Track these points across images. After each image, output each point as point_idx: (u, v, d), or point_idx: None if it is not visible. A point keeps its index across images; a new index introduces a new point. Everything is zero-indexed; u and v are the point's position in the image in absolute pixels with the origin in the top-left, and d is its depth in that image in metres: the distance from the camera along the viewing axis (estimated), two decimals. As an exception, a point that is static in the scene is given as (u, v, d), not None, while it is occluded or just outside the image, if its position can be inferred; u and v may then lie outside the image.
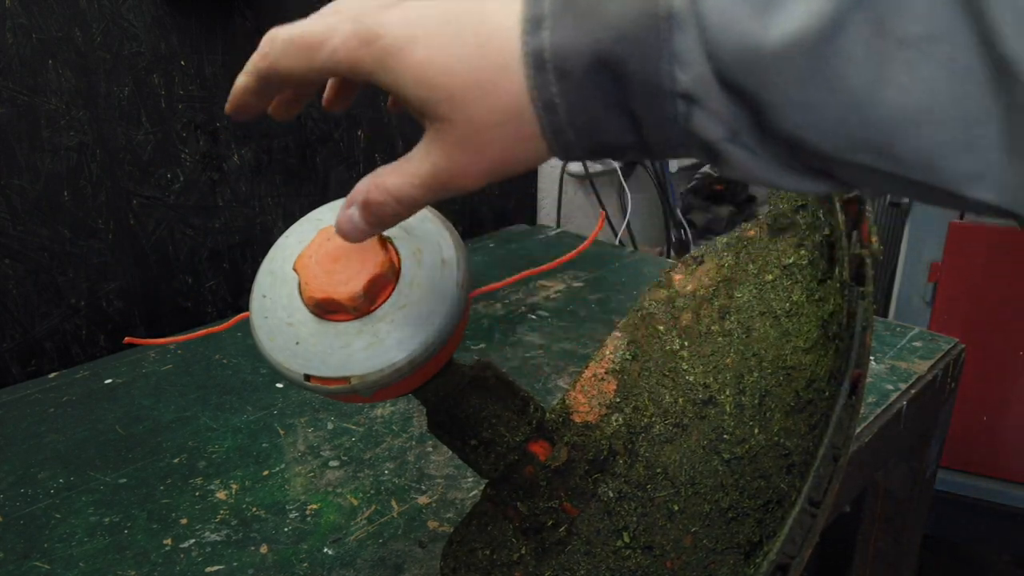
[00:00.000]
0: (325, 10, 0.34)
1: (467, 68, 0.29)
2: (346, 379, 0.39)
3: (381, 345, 0.39)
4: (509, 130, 0.29)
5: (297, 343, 0.41)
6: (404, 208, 0.33)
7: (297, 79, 0.34)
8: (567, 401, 0.53)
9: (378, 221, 0.34)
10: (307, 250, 0.40)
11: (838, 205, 0.41)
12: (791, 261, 0.50)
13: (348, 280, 0.39)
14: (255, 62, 0.36)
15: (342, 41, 0.31)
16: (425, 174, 0.32)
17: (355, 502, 0.63)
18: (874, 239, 0.38)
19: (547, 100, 0.28)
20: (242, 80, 0.37)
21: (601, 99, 0.28)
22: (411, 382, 0.41)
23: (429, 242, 0.42)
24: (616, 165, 1.50)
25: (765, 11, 0.24)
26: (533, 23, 0.28)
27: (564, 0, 0.27)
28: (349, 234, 0.35)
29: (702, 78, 0.26)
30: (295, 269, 0.41)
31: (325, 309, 0.41)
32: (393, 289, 0.41)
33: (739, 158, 0.27)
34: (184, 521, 0.61)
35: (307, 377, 0.40)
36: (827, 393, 0.41)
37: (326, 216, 0.43)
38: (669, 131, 0.28)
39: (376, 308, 0.40)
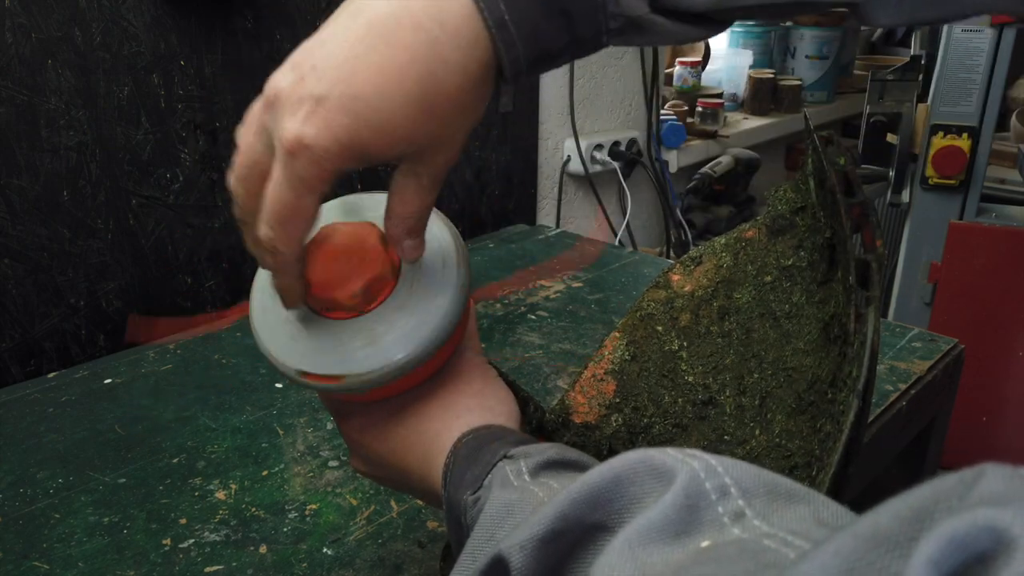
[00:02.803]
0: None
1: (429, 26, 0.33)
2: (342, 377, 0.39)
3: (379, 344, 0.39)
4: (471, 64, 0.33)
5: (295, 340, 0.41)
6: (428, 210, 0.39)
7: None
8: (567, 401, 0.53)
9: (421, 232, 0.39)
10: (307, 247, 0.40)
11: (842, 209, 0.41)
12: (790, 263, 0.49)
13: (347, 278, 0.39)
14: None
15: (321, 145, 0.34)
16: (423, 178, 0.37)
17: (354, 502, 0.63)
18: (879, 243, 0.38)
19: (498, 18, 0.32)
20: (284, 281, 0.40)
21: (542, 8, 0.32)
22: (409, 381, 0.41)
23: (429, 243, 0.42)
24: (616, 165, 1.50)
25: None
26: None
27: None
28: (415, 254, 0.40)
29: None
30: None
31: (324, 306, 0.40)
32: (392, 288, 0.41)
33: (659, 24, 0.33)
34: (183, 521, 0.61)
35: (303, 374, 0.40)
36: (829, 395, 0.41)
37: (326, 214, 0.43)
38: (599, 20, 0.33)
39: (375, 306, 0.40)
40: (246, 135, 0.36)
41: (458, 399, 0.42)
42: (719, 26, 0.36)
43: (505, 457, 0.36)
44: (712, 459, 0.26)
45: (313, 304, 0.41)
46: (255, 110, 0.35)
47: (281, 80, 0.34)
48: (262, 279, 0.43)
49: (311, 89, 0.32)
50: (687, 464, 0.26)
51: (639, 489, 0.27)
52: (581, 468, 0.36)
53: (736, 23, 2.28)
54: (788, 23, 2.26)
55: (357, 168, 0.35)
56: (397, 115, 0.33)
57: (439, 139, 0.35)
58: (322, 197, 0.35)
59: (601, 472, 0.28)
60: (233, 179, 0.37)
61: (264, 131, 0.35)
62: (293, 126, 0.32)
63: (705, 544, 0.23)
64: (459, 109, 0.34)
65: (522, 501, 0.32)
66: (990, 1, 0.34)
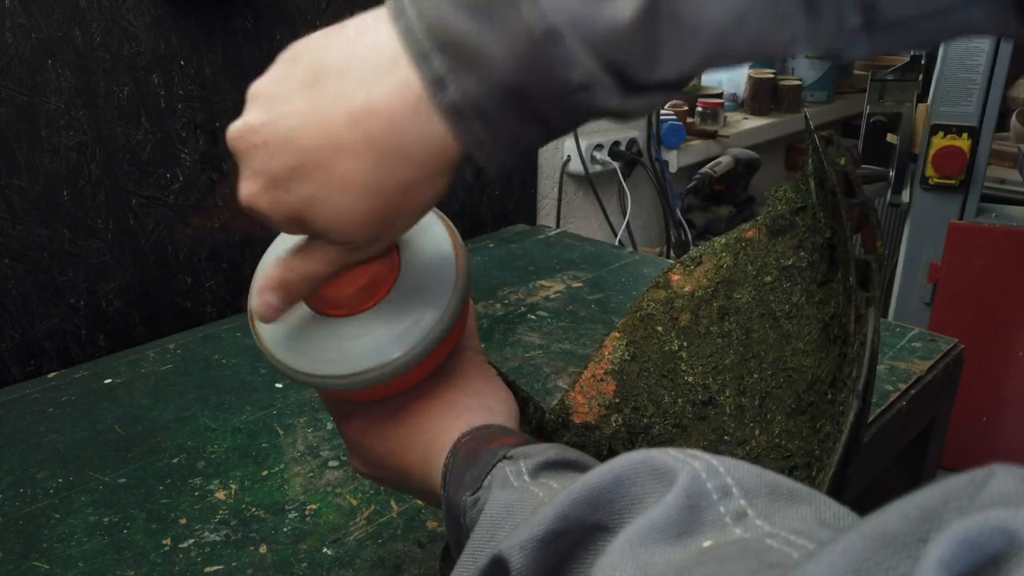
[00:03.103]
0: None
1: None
2: (341, 375, 0.39)
3: (377, 342, 0.39)
4: (435, 182, 0.34)
5: (294, 338, 0.41)
6: (315, 281, 0.39)
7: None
8: (566, 401, 0.53)
9: (290, 300, 0.39)
10: None
11: (842, 209, 0.41)
12: (790, 263, 0.49)
13: (346, 276, 0.39)
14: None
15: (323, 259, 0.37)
16: (329, 251, 0.37)
17: (354, 502, 0.63)
18: (879, 243, 0.38)
19: (475, 140, 0.32)
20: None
21: (517, 120, 0.32)
22: (408, 380, 0.41)
23: (429, 241, 0.42)
24: (616, 166, 1.50)
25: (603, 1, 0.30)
26: (436, 85, 0.31)
27: (449, 56, 0.31)
28: (268, 316, 0.39)
29: (589, 69, 0.31)
30: None
31: (323, 304, 0.40)
32: (391, 287, 0.41)
33: (636, 106, 0.33)
34: (183, 521, 0.61)
35: (302, 372, 0.40)
36: (829, 396, 0.41)
37: None
38: (574, 118, 0.33)
39: (373, 305, 0.40)
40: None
41: (458, 398, 0.43)
42: (686, 84, 0.37)
43: (505, 458, 0.36)
44: (713, 459, 0.26)
45: (312, 302, 0.41)
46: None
47: (236, 137, 0.35)
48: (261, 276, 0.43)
49: (263, 164, 0.34)
50: (688, 464, 0.26)
51: (640, 489, 0.27)
52: (581, 468, 0.36)
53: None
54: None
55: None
56: (344, 220, 0.34)
57: (374, 238, 0.36)
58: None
59: (602, 472, 0.28)
60: None
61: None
62: (246, 192, 0.35)
63: (707, 544, 0.23)
64: (420, 203, 0.35)
65: (522, 502, 0.32)
66: (957, 30, 0.35)
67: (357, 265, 0.38)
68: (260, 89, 0.34)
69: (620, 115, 0.34)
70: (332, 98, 0.32)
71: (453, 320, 0.40)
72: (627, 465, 0.27)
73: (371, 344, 0.39)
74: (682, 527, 0.24)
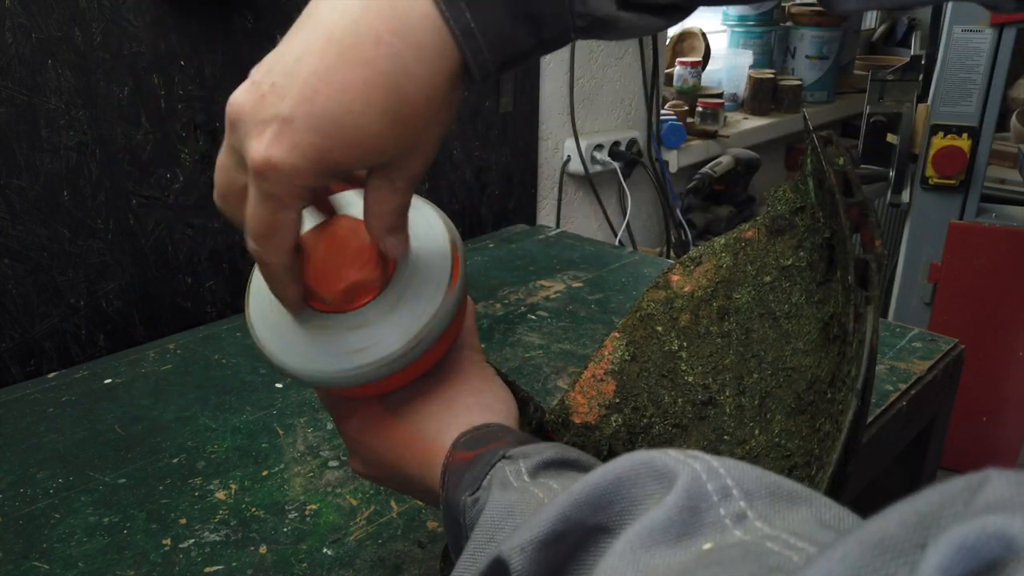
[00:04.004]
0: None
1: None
2: (336, 371, 0.39)
3: (376, 336, 0.39)
4: (437, 75, 0.33)
5: (291, 335, 0.41)
6: (405, 207, 0.38)
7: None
8: (566, 402, 0.53)
9: (402, 228, 0.39)
10: (300, 244, 0.40)
11: (841, 209, 0.41)
12: (790, 263, 0.50)
13: (341, 273, 0.39)
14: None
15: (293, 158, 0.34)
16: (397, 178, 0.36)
17: (354, 502, 0.63)
18: (878, 243, 0.38)
19: (464, 26, 0.32)
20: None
21: (508, 11, 0.32)
22: (403, 377, 0.41)
23: (425, 236, 0.42)
24: (616, 166, 1.50)
25: None
26: None
27: None
28: (399, 250, 0.39)
29: None
30: None
31: (319, 301, 0.40)
32: (387, 283, 0.41)
33: (625, 19, 0.33)
34: (183, 521, 0.61)
35: (297, 369, 0.40)
36: (829, 395, 0.41)
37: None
38: (566, 21, 0.33)
39: (370, 300, 0.40)
40: (220, 156, 0.36)
41: (456, 397, 0.43)
42: (684, 12, 0.36)
43: (504, 457, 0.36)
44: (714, 460, 0.26)
45: (309, 299, 0.41)
46: (227, 124, 0.35)
47: (242, 99, 0.33)
48: (259, 276, 0.43)
49: (274, 109, 0.32)
50: (688, 465, 0.26)
51: (640, 491, 0.27)
52: (581, 467, 0.36)
53: (736, 25, 2.26)
54: (788, 23, 2.26)
55: (330, 181, 0.36)
56: (364, 130, 0.32)
57: (410, 147, 0.35)
58: (300, 210, 0.35)
59: (602, 473, 0.28)
60: (216, 197, 0.37)
61: (234, 151, 0.35)
62: (260, 147, 0.32)
63: (707, 547, 0.23)
64: (428, 117, 0.34)
65: (522, 502, 0.32)
66: None
67: (412, 188, 0.38)
68: (258, 64, 0.34)
69: (615, 29, 0.34)
70: (328, 13, 0.33)
71: (451, 315, 0.40)
72: (627, 466, 0.27)
73: (370, 339, 0.39)
74: (683, 529, 0.24)
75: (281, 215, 0.34)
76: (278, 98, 0.32)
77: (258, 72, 0.34)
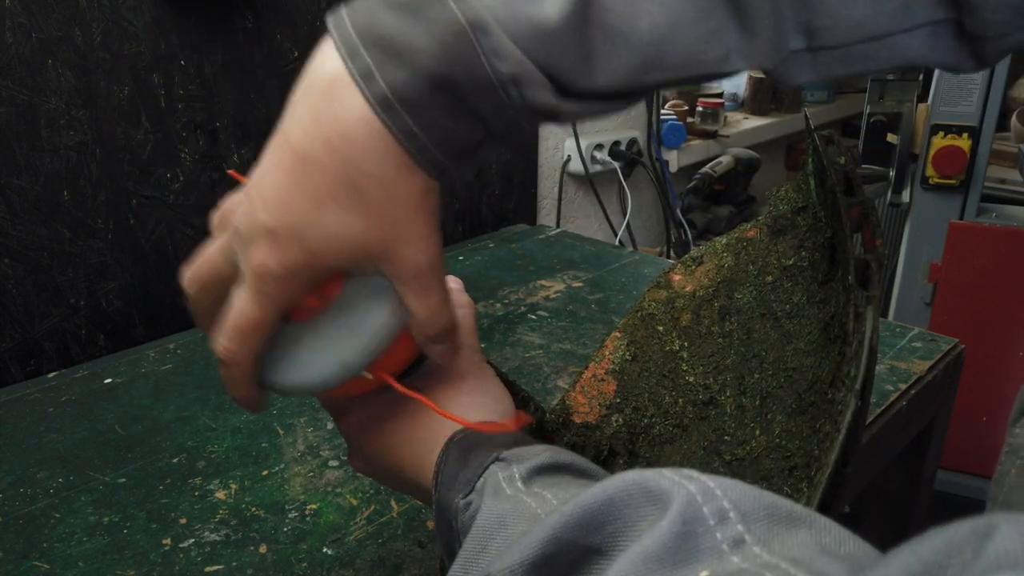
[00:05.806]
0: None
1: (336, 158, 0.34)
2: (309, 383, 0.39)
3: (335, 343, 0.39)
4: (390, 170, 0.34)
5: (270, 351, 0.40)
6: (442, 314, 0.40)
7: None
8: (567, 401, 0.53)
9: (444, 339, 0.40)
10: None
11: (842, 208, 0.41)
12: (791, 263, 0.49)
13: None
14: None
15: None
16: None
17: (354, 502, 0.63)
18: (879, 242, 0.38)
19: (405, 130, 0.32)
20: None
21: (448, 112, 0.33)
22: (381, 370, 0.41)
23: None
24: (616, 165, 1.50)
25: None
26: (366, 79, 0.32)
27: (378, 49, 0.32)
28: (445, 359, 0.42)
29: (518, 61, 0.31)
30: None
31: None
32: (342, 287, 0.39)
33: (568, 109, 0.33)
34: (183, 521, 0.61)
35: (279, 384, 0.40)
36: (829, 395, 0.41)
37: None
38: (510, 114, 0.33)
39: (331, 303, 0.39)
40: (211, 249, 0.39)
41: (452, 396, 0.42)
42: (631, 99, 0.36)
43: (498, 460, 0.36)
44: (710, 481, 0.26)
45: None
46: (215, 224, 0.39)
47: (237, 210, 0.36)
48: None
49: (262, 221, 0.35)
50: (683, 487, 0.25)
51: (634, 512, 0.26)
52: (575, 472, 0.36)
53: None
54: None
55: (327, 278, 0.37)
56: (342, 232, 0.34)
57: (394, 240, 0.35)
58: (286, 306, 0.37)
59: (595, 494, 0.27)
60: (189, 279, 0.40)
61: (229, 250, 0.37)
62: (258, 258, 0.35)
63: (704, 574, 0.23)
64: (400, 209, 0.34)
65: (515, 512, 0.32)
66: (900, 58, 0.34)
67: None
68: (251, 172, 0.37)
69: (559, 117, 0.34)
70: (289, 125, 0.34)
71: (396, 319, 0.39)
72: (620, 487, 0.27)
73: (329, 344, 0.39)
74: (678, 555, 0.24)
75: (269, 313, 0.36)
76: (266, 213, 0.34)
77: (251, 185, 0.36)
